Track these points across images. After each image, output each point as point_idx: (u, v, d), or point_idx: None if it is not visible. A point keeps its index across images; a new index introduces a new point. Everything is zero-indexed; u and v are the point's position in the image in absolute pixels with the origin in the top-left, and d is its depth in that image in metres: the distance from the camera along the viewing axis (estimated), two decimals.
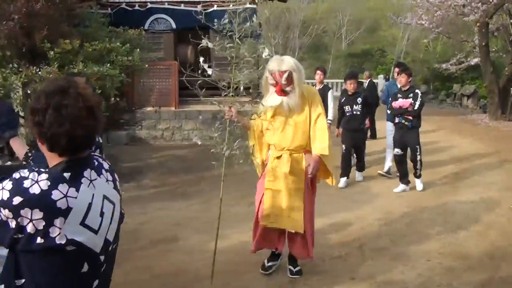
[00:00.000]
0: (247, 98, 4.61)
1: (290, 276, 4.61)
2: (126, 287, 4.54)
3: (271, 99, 4.38)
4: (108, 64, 7.88)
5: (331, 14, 43.42)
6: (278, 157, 4.48)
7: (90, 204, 1.74)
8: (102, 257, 1.81)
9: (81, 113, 1.71)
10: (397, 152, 7.86)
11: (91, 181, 1.78)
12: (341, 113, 8.42)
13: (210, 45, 3.99)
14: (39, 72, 7.53)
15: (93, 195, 1.76)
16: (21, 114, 8.27)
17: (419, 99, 7.56)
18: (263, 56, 4.24)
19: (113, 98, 7.87)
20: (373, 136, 12.50)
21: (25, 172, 1.69)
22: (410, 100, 7.56)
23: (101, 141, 3.59)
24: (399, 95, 7.74)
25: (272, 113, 4.45)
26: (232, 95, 4.21)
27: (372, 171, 9.18)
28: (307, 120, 4.43)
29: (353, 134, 8.33)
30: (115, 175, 1.96)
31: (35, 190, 1.65)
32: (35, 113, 1.71)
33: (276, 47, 38.47)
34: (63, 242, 1.67)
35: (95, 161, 1.87)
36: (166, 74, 12.34)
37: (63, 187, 1.68)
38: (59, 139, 1.70)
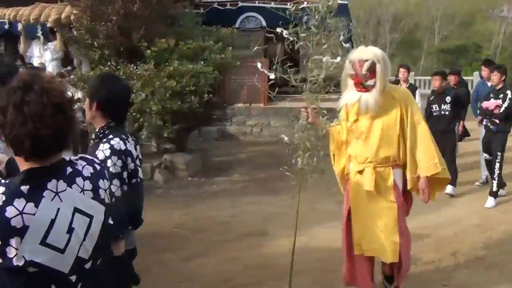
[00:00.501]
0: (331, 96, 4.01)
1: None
2: (217, 276, 4.70)
3: (348, 95, 3.71)
4: (202, 62, 8.13)
5: (423, 7, 41.74)
6: (360, 172, 3.73)
7: (53, 221, 1.51)
8: (73, 277, 1.58)
9: (46, 110, 1.49)
10: (485, 156, 7.32)
11: (56, 193, 1.54)
12: (429, 113, 7.70)
13: (285, 33, 3.54)
14: (137, 70, 7.91)
15: (58, 209, 1.53)
16: None
17: (507, 101, 6.86)
18: (344, 45, 3.64)
19: (206, 95, 8.10)
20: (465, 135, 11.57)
21: None
22: (499, 101, 6.92)
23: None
24: (491, 95, 7.15)
25: (355, 115, 3.74)
26: (311, 92, 3.65)
27: (467, 175, 8.55)
28: (397, 126, 3.66)
29: (442, 136, 7.54)
30: (103, 181, 1.71)
31: None
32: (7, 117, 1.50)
33: (366, 43, 37.77)
34: (20, 264, 1.47)
35: (68, 168, 1.62)
36: (255, 71, 12.46)
37: (19, 203, 1.47)
38: (22, 140, 1.48)
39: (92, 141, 2.82)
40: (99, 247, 1.66)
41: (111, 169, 2.56)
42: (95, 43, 8.37)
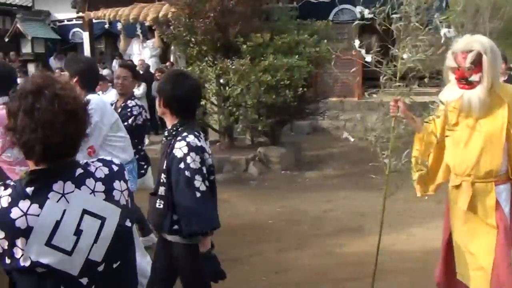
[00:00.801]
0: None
1: None
2: (312, 269, 4.70)
3: (448, 92, 3.11)
4: (296, 56, 8.12)
5: None
6: (457, 186, 3.15)
7: (58, 222, 1.50)
8: (84, 280, 1.56)
9: (57, 118, 1.48)
10: None
11: (63, 195, 1.53)
12: None
13: (366, 12, 3.05)
14: (233, 65, 8.06)
15: (64, 211, 1.52)
16: (215, 102, 8.98)
17: None
18: (444, 34, 2.97)
19: (300, 89, 8.09)
20: None
21: None
22: None
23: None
24: None
25: (455, 117, 3.12)
26: (399, 85, 3.07)
27: None
28: (502, 134, 2.97)
29: None
30: (119, 183, 1.67)
31: None
32: (8, 117, 1.51)
33: (464, 33, 35.66)
34: (27, 264, 1.48)
35: (79, 169, 1.59)
36: (349, 64, 12.27)
37: (23, 204, 1.48)
38: (33, 146, 1.48)
39: (164, 138, 2.83)
40: (115, 250, 1.62)
41: (191, 165, 2.58)
42: (192, 39, 8.61)
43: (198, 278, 2.84)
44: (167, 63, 12.00)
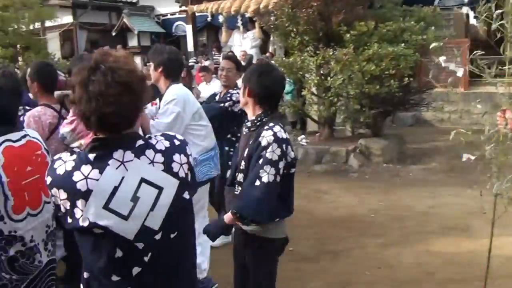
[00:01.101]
0: None
1: None
2: (417, 267, 4.52)
3: None
4: (402, 44, 7.83)
5: None
6: None
7: (116, 188, 1.58)
8: (139, 245, 1.61)
9: (110, 89, 1.54)
10: None
11: (122, 162, 1.60)
12: None
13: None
14: (335, 54, 7.93)
15: (122, 178, 1.59)
16: (315, 92, 8.90)
17: None
18: None
19: (406, 78, 7.80)
20: None
21: (63, 154, 1.67)
22: None
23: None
24: None
25: None
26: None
27: None
28: None
29: None
30: (179, 156, 1.71)
31: (61, 170, 1.60)
32: (72, 90, 1.63)
33: None
34: (85, 225, 1.57)
35: (140, 141, 1.66)
36: (456, 52, 11.65)
37: (85, 168, 1.58)
38: (89, 117, 1.57)
39: (246, 129, 2.80)
40: (172, 220, 1.66)
41: (268, 156, 2.56)
42: (294, 29, 8.58)
43: (262, 269, 2.83)
44: (267, 54, 12.07)
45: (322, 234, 5.41)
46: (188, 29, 15.70)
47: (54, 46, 17.63)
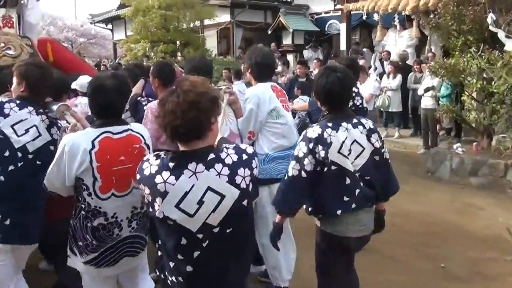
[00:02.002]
0: None
1: None
2: None
3: None
4: None
5: None
6: None
7: (186, 192, 1.99)
8: (200, 235, 2.04)
9: (179, 107, 1.94)
10: None
11: (194, 173, 2.00)
12: None
13: None
14: (502, 56, 7.19)
15: (192, 185, 1.99)
16: (475, 98, 8.13)
17: None
18: None
19: None
20: None
21: (151, 156, 2.12)
22: None
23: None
24: None
25: None
26: None
27: None
28: None
29: None
30: (243, 170, 2.06)
31: (147, 172, 2.06)
32: (165, 111, 2.00)
33: None
34: (160, 216, 2.03)
35: (211, 154, 2.03)
36: None
37: (165, 174, 2.00)
38: (165, 128, 2.00)
39: None
40: (229, 220, 2.06)
41: (294, 152, 2.86)
42: (458, 28, 7.95)
43: (317, 260, 3.13)
44: (429, 54, 11.36)
45: (474, 254, 4.91)
46: (342, 27, 15.49)
47: (211, 43, 18.55)
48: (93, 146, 2.54)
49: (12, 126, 2.91)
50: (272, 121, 3.69)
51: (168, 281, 2.19)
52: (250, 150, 2.14)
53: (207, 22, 18.47)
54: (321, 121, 2.89)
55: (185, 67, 3.91)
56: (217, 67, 12.68)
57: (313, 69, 11.60)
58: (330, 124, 2.82)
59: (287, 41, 17.32)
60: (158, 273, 2.29)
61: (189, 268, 2.08)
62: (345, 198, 2.81)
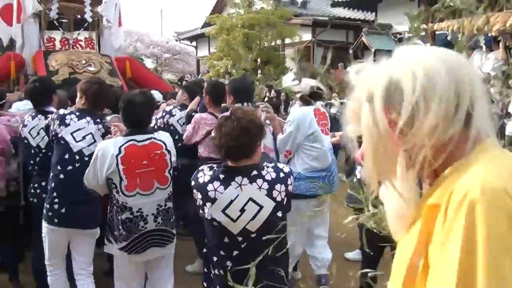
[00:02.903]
0: None
1: None
2: None
3: None
4: None
5: None
6: None
7: (232, 201, 2.36)
8: (239, 238, 2.40)
9: (234, 131, 2.33)
10: None
11: (240, 185, 2.38)
12: None
13: None
14: None
15: (237, 195, 2.37)
16: None
17: None
18: None
19: None
20: None
21: (205, 167, 2.51)
22: None
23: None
24: None
25: None
26: None
27: None
28: None
29: None
30: (280, 185, 2.42)
31: (201, 180, 2.44)
32: (215, 139, 2.47)
33: None
34: (208, 218, 2.41)
35: (255, 171, 2.41)
36: None
37: (216, 183, 2.39)
38: (220, 148, 2.41)
39: None
40: (265, 228, 2.36)
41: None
42: None
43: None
44: None
45: None
46: None
47: (291, 61, 18.70)
48: (119, 152, 2.96)
49: (71, 134, 3.37)
50: (309, 144, 3.94)
51: (211, 274, 2.54)
52: (286, 169, 2.53)
53: (288, 40, 18.71)
54: None
55: (228, 86, 4.20)
56: None
57: None
58: None
59: (368, 60, 17.10)
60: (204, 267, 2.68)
61: (228, 263, 2.43)
62: None
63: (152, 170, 3.03)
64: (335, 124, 9.20)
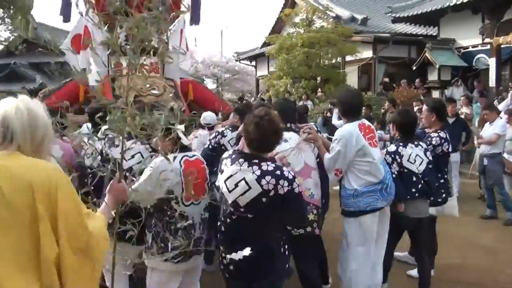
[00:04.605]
0: None
1: None
2: None
3: None
4: None
5: None
6: None
7: (231, 175, 2.86)
8: (231, 209, 2.89)
9: (269, 130, 2.82)
10: None
11: (240, 165, 2.86)
12: None
13: None
14: None
15: (236, 172, 2.85)
16: None
17: None
18: None
19: None
20: None
21: (232, 150, 3.19)
22: None
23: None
24: None
25: None
26: None
27: None
28: None
29: None
30: (269, 178, 2.78)
31: (224, 155, 3.11)
32: (245, 126, 2.93)
33: None
34: (218, 185, 3.04)
35: (256, 160, 2.86)
36: None
37: (228, 160, 2.99)
38: (253, 141, 2.86)
39: None
40: (252, 207, 2.82)
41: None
42: None
43: None
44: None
45: None
46: (491, 62, 14.55)
47: (352, 78, 18.61)
48: (181, 165, 3.34)
49: (120, 153, 3.51)
50: (359, 159, 3.94)
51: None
52: (287, 174, 2.85)
53: (348, 58, 18.61)
54: (400, 142, 4.35)
55: (272, 107, 4.23)
56: None
57: (460, 107, 10.93)
58: (404, 144, 4.31)
59: (432, 76, 16.72)
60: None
61: (222, 229, 3.00)
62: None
63: (199, 182, 3.37)
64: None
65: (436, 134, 4.78)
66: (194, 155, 3.51)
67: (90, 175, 3.90)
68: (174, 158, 3.32)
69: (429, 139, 4.77)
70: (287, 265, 3.04)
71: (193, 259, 3.39)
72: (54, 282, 1.70)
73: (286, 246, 3.02)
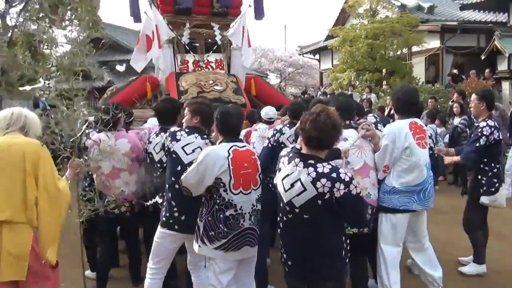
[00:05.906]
0: None
1: None
2: None
3: None
4: None
5: None
6: None
7: (288, 175, 2.88)
8: (287, 208, 2.91)
9: (327, 126, 2.77)
10: None
11: (296, 165, 2.85)
12: None
13: None
14: None
15: (292, 172, 2.85)
16: None
17: None
18: None
19: None
20: None
21: (290, 147, 3.16)
22: None
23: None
24: None
25: None
26: None
27: None
28: None
29: None
30: (324, 181, 2.74)
31: (282, 153, 3.15)
32: (301, 124, 2.90)
33: None
34: (275, 183, 3.10)
35: (312, 160, 2.83)
36: None
37: (285, 158, 3.01)
38: (312, 139, 2.83)
39: None
40: (306, 208, 2.81)
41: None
42: None
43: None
44: None
45: None
46: None
47: (419, 70, 18.07)
48: (229, 154, 3.39)
49: (182, 148, 3.75)
50: (404, 157, 3.92)
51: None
52: (343, 176, 2.78)
53: (414, 48, 18.11)
54: None
55: (331, 104, 4.18)
56: (424, 96, 12.20)
57: None
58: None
59: (502, 66, 15.93)
60: None
61: (280, 226, 3.04)
62: None
63: (250, 172, 3.45)
64: (458, 137, 8.62)
65: (484, 123, 4.72)
66: (244, 146, 3.53)
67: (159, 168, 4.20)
68: (220, 146, 3.42)
69: (479, 129, 4.70)
70: (347, 266, 2.99)
71: (244, 250, 3.45)
72: (33, 216, 2.92)
73: (347, 247, 2.97)
